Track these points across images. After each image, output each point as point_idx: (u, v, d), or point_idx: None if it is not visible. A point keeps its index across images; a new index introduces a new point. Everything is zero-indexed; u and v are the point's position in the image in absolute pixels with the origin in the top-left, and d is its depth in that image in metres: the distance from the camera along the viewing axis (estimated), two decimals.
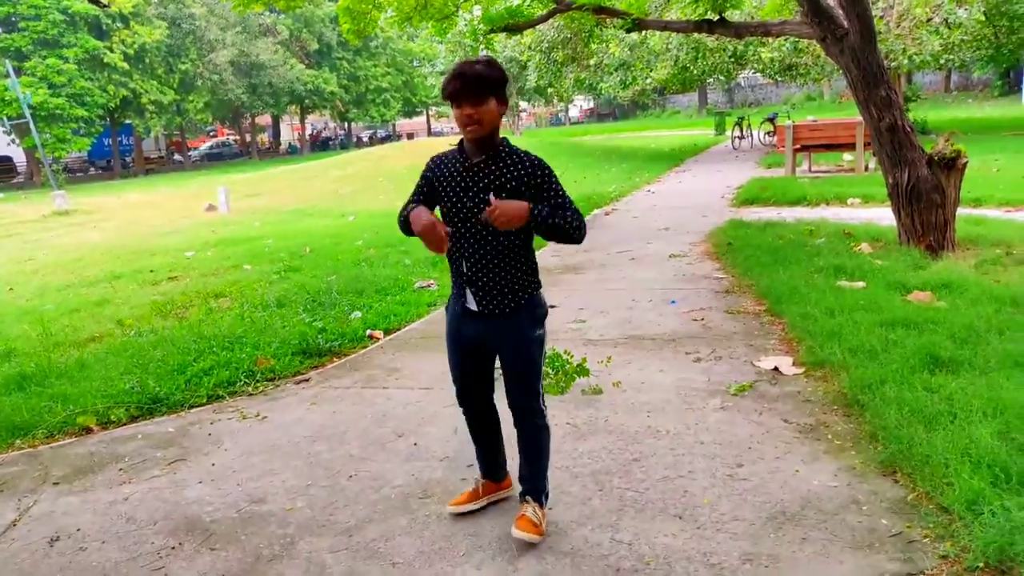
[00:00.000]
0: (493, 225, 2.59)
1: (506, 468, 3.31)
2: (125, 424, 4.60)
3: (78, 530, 3.33)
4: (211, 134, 62.36)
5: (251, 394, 4.96)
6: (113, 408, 4.69)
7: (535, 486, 3.03)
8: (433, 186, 2.85)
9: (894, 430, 3.47)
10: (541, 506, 3.03)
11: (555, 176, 2.74)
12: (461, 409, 3.15)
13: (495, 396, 3.16)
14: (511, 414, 2.99)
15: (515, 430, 3.03)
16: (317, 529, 3.19)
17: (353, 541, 3.08)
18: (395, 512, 3.28)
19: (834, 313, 5.25)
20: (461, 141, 2.82)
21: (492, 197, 2.65)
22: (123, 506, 3.53)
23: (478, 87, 2.60)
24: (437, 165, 2.86)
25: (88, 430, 4.52)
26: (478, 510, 3.21)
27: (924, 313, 5.09)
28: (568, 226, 2.69)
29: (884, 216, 8.45)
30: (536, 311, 2.91)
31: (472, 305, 2.86)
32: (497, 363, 3.02)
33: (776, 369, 4.59)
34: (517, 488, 3.19)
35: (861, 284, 6.09)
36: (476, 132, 2.66)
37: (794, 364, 4.63)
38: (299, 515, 3.32)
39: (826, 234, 8.33)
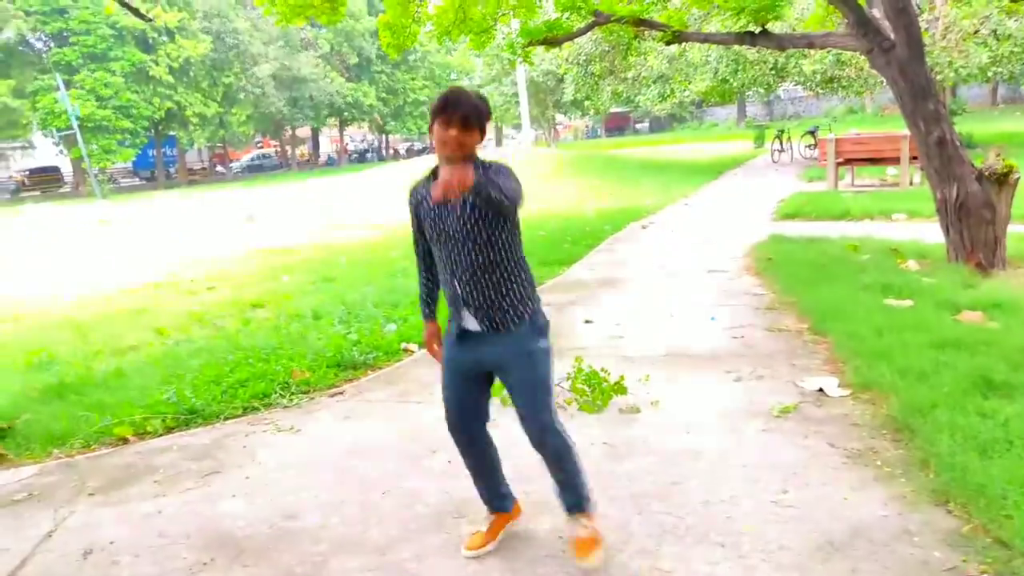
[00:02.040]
0: (445, 197, 2.33)
1: (512, 494, 3.19)
2: (161, 435, 4.61)
3: (112, 543, 3.32)
4: (258, 145, 63.14)
5: (286, 406, 4.95)
6: (150, 418, 4.71)
7: (576, 501, 2.95)
8: (416, 215, 2.89)
9: (947, 457, 3.32)
10: (588, 514, 2.95)
11: (509, 168, 2.72)
12: (453, 439, 3.03)
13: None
14: (527, 438, 2.85)
15: (538, 455, 2.91)
16: (350, 547, 3.14)
17: (386, 560, 3.03)
18: (429, 531, 3.22)
19: (882, 333, 5.09)
20: (435, 168, 2.80)
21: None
22: (157, 519, 3.52)
23: (473, 116, 2.66)
24: (415, 194, 2.90)
25: (125, 440, 4.54)
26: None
27: (975, 334, 4.91)
28: (508, 183, 2.58)
29: (931, 232, 8.23)
30: (539, 323, 2.84)
31: (472, 326, 2.80)
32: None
33: (821, 390, 4.45)
34: (527, 511, 3.20)
35: (909, 303, 5.91)
36: (456, 152, 2.65)
37: (840, 385, 4.49)
38: (332, 532, 3.27)
39: (871, 250, 8.13)
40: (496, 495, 3.13)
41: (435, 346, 3.06)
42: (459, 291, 2.77)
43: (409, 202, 2.91)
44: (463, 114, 2.64)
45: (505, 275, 2.75)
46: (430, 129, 2.72)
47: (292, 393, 5.11)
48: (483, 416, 3.01)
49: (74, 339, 6.95)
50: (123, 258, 13.53)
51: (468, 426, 2.99)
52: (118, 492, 3.85)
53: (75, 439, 4.53)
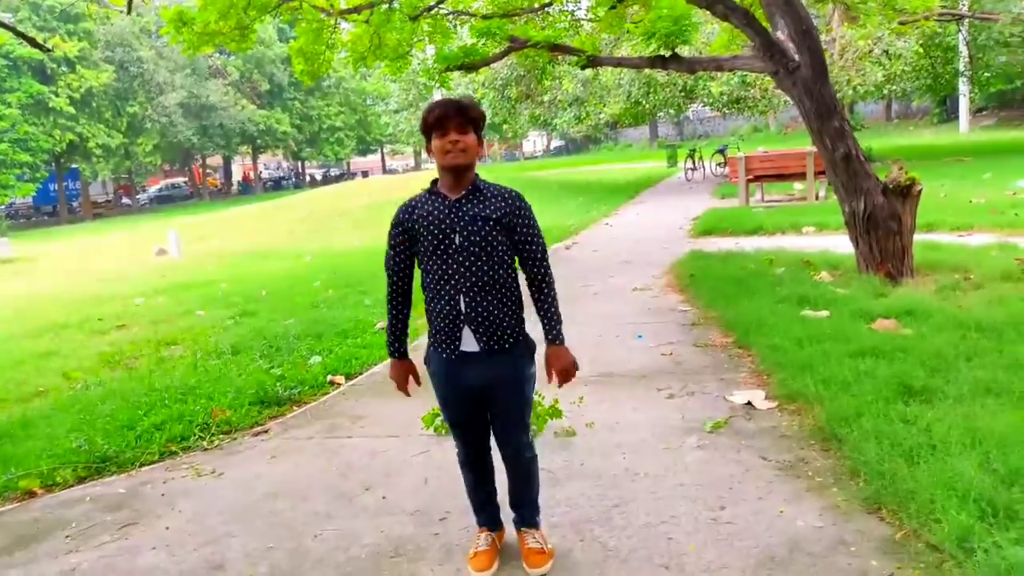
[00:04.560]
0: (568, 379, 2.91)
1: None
2: (72, 486, 4.32)
3: None
4: (170, 172, 60.92)
5: (206, 449, 4.72)
6: (59, 469, 4.42)
7: (532, 517, 3.05)
8: (410, 234, 2.76)
9: (875, 465, 3.40)
10: (540, 529, 3.07)
11: (531, 210, 2.79)
12: (471, 467, 3.02)
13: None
14: (500, 451, 2.96)
15: (506, 466, 3.00)
16: None
17: None
18: (366, 574, 3.09)
19: (803, 344, 5.22)
20: (433, 182, 2.78)
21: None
22: None
23: (464, 116, 2.65)
24: (411, 210, 2.77)
25: (32, 494, 4.24)
26: None
27: (891, 341, 5.08)
28: (552, 291, 2.85)
29: (840, 244, 8.54)
30: (531, 345, 2.89)
31: (472, 346, 2.74)
32: None
33: (749, 403, 4.52)
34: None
35: (825, 313, 6.09)
36: (460, 159, 2.65)
37: (767, 398, 4.57)
38: None
39: (786, 263, 8.38)
40: (497, 511, 3.13)
41: (408, 384, 2.96)
42: (463, 307, 2.71)
43: (398, 220, 2.79)
44: (455, 115, 2.64)
45: (507, 292, 2.77)
46: (427, 149, 2.72)
47: (212, 434, 4.88)
48: (488, 429, 2.98)
49: None
50: (25, 299, 12.82)
51: (481, 443, 2.97)
52: (25, 551, 3.58)
53: None
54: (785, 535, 3.07)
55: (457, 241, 2.67)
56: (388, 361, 6.30)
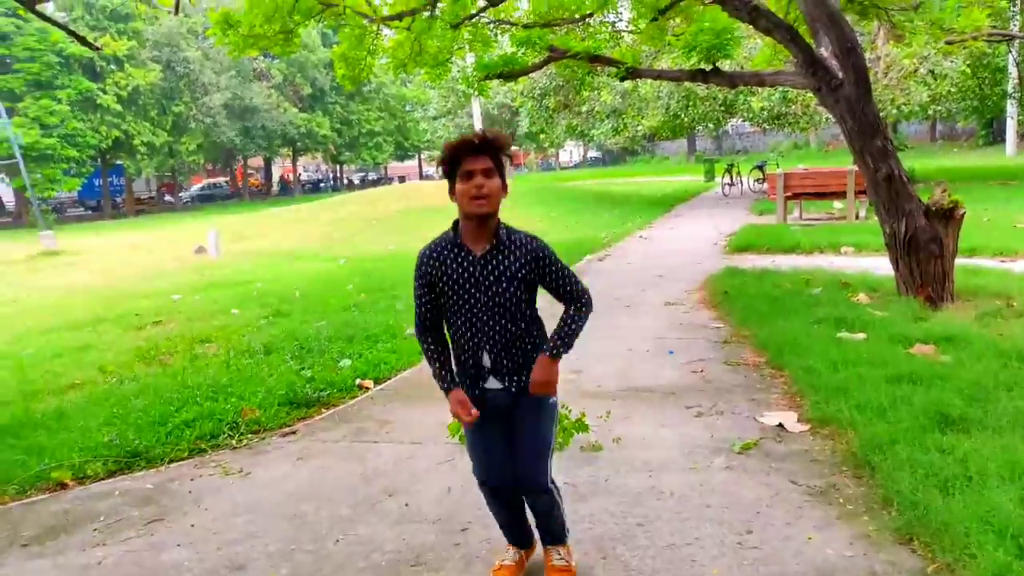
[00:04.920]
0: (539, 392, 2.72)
1: (532, 528, 3.11)
2: (102, 479, 4.39)
3: None
4: (212, 171, 61.70)
5: (235, 447, 4.76)
6: (90, 462, 4.49)
7: (556, 535, 2.99)
8: (433, 283, 2.71)
9: (909, 495, 3.31)
10: (566, 546, 3.01)
11: (555, 255, 2.73)
12: (492, 499, 2.93)
13: None
14: (523, 490, 2.86)
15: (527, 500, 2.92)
16: None
17: None
18: None
19: (837, 367, 5.12)
20: (455, 224, 2.70)
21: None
22: (96, 571, 3.32)
23: (489, 155, 2.58)
24: (434, 260, 2.70)
25: (63, 485, 4.31)
26: None
27: (929, 368, 4.97)
28: (582, 321, 2.77)
29: (879, 265, 8.39)
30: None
31: (495, 385, 2.74)
32: None
33: (781, 426, 4.44)
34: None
35: (862, 336, 5.97)
36: (486, 207, 2.58)
37: (799, 420, 4.49)
38: None
39: (823, 283, 8.25)
40: (526, 531, 3.07)
41: (468, 411, 2.72)
42: (487, 361, 2.70)
43: (423, 268, 2.72)
44: (485, 163, 2.57)
45: (534, 341, 2.76)
46: (450, 191, 2.64)
47: (241, 433, 4.92)
48: (511, 465, 2.85)
49: (12, 377, 6.64)
50: (67, 292, 13.09)
51: (505, 474, 2.84)
52: (54, 542, 3.63)
53: (9, 485, 4.28)
54: (813, 563, 3.00)
55: (482, 300, 2.65)
56: (417, 366, 6.32)
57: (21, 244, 24.15)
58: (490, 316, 2.66)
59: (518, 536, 3.05)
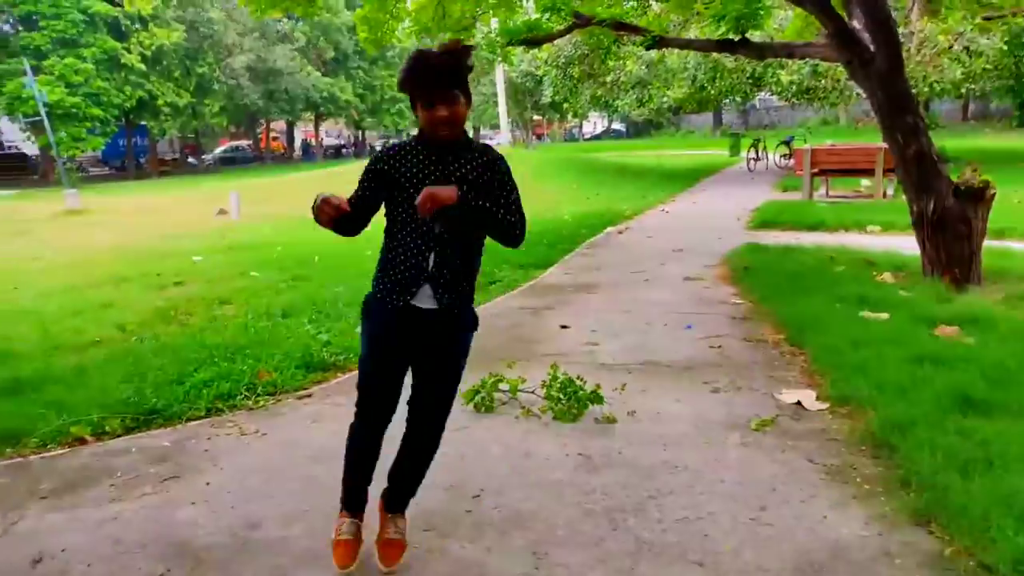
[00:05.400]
0: (422, 213, 2.49)
1: None
2: (120, 435, 4.42)
3: (63, 550, 3.15)
4: (235, 134, 61.72)
5: (251, 408, 4.78)
6: (109, 418, 4.52)
7: (405, 502, 3.01)
8: (387, 179, 2.67)
9: (928, 476, 3.27)
10: (404, 516, 3.01)
11: (510, 172, 2.71)
12: (366, 424, 2.89)
13: None
14: (420, 420, 2.88)
15: (411, 437, 2.93)
16: (313, 561, 3.01)
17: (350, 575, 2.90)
18: None
19: (859, 346, 5.05)
20: (421, 131, 2.69)
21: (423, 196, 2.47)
22: (112, 526, 3.36)
23: (450, 85, 2.52)
24: (393, 157, 2.69)
25: (82, 440, 4.35)
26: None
27: (953, 349, 4.90)
28: (502, 218, 2.62)
29: (906, 245, 8.26)
30: (475, 319, 2.84)
31: (427, 303, 2.68)
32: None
33: (799, 404, 4.40)
34: (498, 526, 3.13)
35: (885, 316, 5.89)
36: (449, 134, 2.58)
37: (818, 399, 4.44)
38: (295, 544, 3.14)
39: (847, 262, 8.14)
40: (365, 494, 3.03)
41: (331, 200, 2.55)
42: (430, 265, 2.65)
43: (379, 161, 2.70)
44: (439, 85, 2.51)
45: (476, 256, 2.74)
46: (413, 107, 2.61)
47: (258, 395, 4.94)
48: (398, 398, 2.88)
49: (33, 333, 6.72)
50: (90, 250, 13.20)
51: (387, 411, 2.86)
52: (72, 496, 3.67)
53: (29, 439, 4.33)
54: (827, 541, 2.98)
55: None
56: None
57: (46, 202, 24.35)
58: (443, 218, 2.59)
59: (360, 496, 3.00)
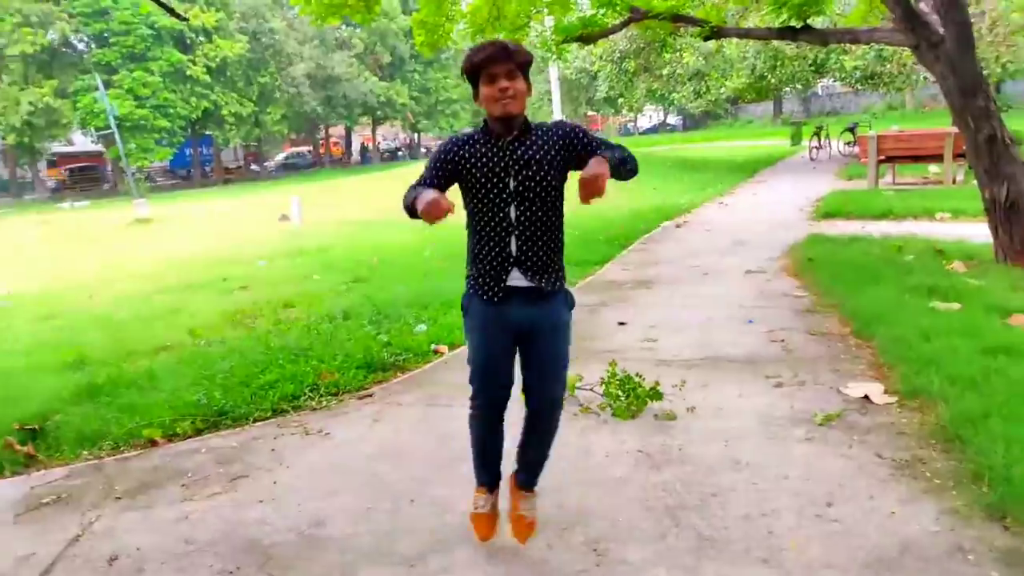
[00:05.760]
0: (593, 195, 2.47)
1: None
2: (190, 437, 4.56)
3: (138, 549, 3.27)
4: (296, 141, 62.86)
5: (315, 409, 4.88)
6: (179, 420, 4.67)
7: (535, 479, 3.06)
8: (456, 170, 2.70)
9: (1002, 470, 3.15)
10: (535, 492, 3.07)
11: (588, 130, 2.73)
12: (483, 417, 2.97)
13: None
14: (535, 404, 2.90)
15: (530, 421, 2.96)
16: (378, 558, 3.06)
17: (414, 572, 2.94)
18: (458, 542, 3.12)
19: (929, 337, 4.89)
20: (484, 122, 2.72)
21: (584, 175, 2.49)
22: (183, 525, 3.47)
23: (513, 60, 2.57)
24: (461, 147, 2.71)
25: (154, 443, 4.50)
26: None
27: None
28: (629, 157, 2.67)
29: (977, 232, 7.97)
30: (571, 295, 2.90)
31: (520, 281, 2.71)
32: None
33: (866, 397, 4.28)
34: (561, 522, 3.14)
35: (957, 306, 5.69)
36: (511, 107, 2.58)
37: (886, 392, 4.31)
38: (360, 541, 3.19)
39: (915, 251, 7.89)
40: (498, 469, 3.11)
41: (442, 203, 2.51)
42: (513, 249, 2.69)
43: (446, 151, 2.72)
44: (519, 61, 2.58)
45: (559, 238, 2.77)
46: (474, 96, 2.67)
47: (321, 395, 5.05)
48: (511, 384, 2.92)
49: (107, 339, 6.98)
50: (159, 258, 13.65)
51: (505, 395, 2.91)
52: (145, 496, 3.81)
53: (104, 441, 4.50)
54: (896, 537, 2.90)
55: (512, 185, 2.64)
56: None
57: (117, 212, 25.27)
58: (519, 202, 2.65)
59: (493, 471, 3.07)
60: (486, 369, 2.87)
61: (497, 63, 2.57)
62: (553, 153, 2.67)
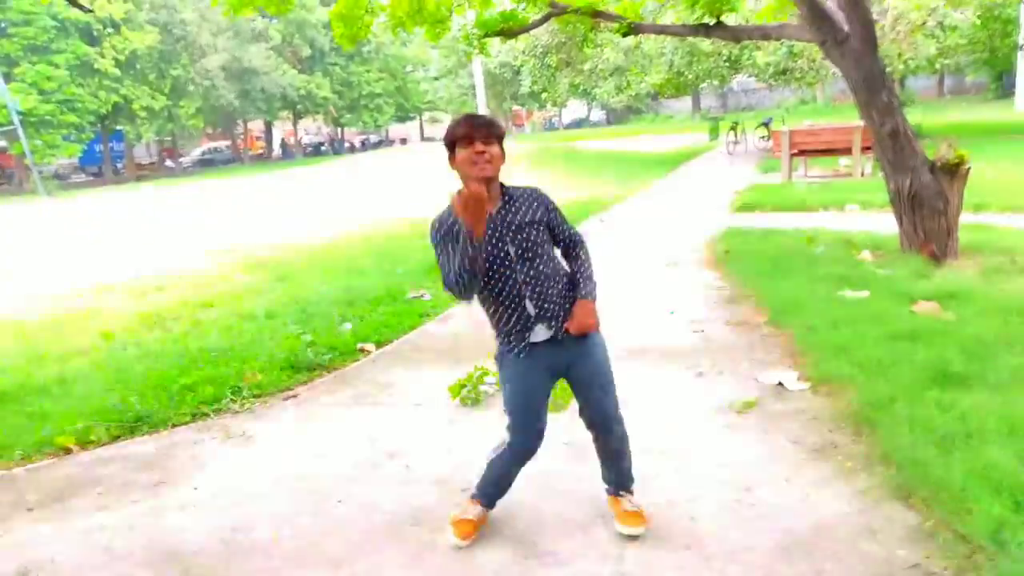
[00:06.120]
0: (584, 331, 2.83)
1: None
2: (106, 444, 4.41)
3: (52, 561, 3.16)
4: (213, 135, 61.08)
5: (237, 411, 4.78)
6: (94, 427, 4.51)
7: (627, 481, 3.13)
8: (455, 243, 2.68)
9: (907, 451, 3.32)
10: (632, 491, 3.13)
11: (556, 205, 2.91)
12: (522, 455, 2.99)
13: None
14: (597, 427, 3.00)
15: (599, 445, 3.08)
16: (304, 561, 3.02)
17: (342, 574, 2.92)
18: (386, 542, 3.11)
19: (838, 325, 5.10)
20: (460, 191, 2.66)
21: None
22: (100, 535, 3.36)
23: (490, 129, 2.68)
24: (454, 222, 2.67)
25: (67, 450, 4.34)
26: None
27: (931, 325, 4.95)
28: (589, 261, 2.97)
29: (884, 223, 8.33)
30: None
31: (545, 334, 2.81)
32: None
33: (781, 384, 4.44)
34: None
35: (865, 294, 5.95)
36: (487, 170, 2.65)
37: (799, 379, 4.48)
38: (285, 545, 3.15)
39: (826, 242, 8.19)
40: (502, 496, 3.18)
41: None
42: (531, 309, 2.78)
43: (443, 231, 2.72)
44: (496, 132, 2.70)
45: (563, 280, 2.87)
46: (451, 159, 2.71)
47: (244, 397, 4.94)
48: (546, 424, 3.00)
49: (15, 344, 6.67)
50: (70, 258, 13.10)
51: (538, 438, 2.97)
52: (59, 506, 3.67)
53: (14, 450, 4.31)
54: (811, 520, 3.02)
55: (512, 252, 2.73)
56: (419, 329, 6.31)
57: (20, 211, 24.09)
58: (522, 264, 2.74)
59: (501, 496, 3.14)
60: (527, 410, 2.93)
61: (474, 129, 2.66)
62: (539, 216, 2.80)
